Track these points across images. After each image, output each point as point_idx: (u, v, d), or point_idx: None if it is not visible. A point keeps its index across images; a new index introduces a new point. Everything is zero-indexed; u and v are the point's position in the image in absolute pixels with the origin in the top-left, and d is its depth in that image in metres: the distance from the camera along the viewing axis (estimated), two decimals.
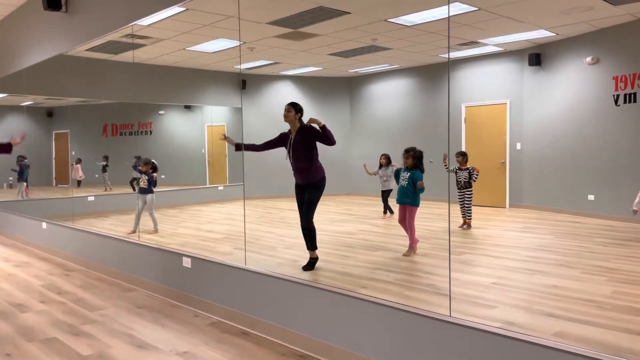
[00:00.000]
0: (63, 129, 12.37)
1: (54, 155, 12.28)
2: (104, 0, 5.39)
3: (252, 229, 6.53)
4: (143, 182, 7.12)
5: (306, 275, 4.37)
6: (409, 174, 5.22)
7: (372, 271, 4.69)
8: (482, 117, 9.03)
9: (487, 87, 9.02)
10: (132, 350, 3.41)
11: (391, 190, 7.32)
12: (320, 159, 4.64)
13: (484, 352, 2.47)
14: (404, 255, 5.14)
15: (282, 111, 4.57)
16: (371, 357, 2.97)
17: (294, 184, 4.71)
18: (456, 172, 6.82)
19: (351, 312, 3.09)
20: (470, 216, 6.71)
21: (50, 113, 12.46)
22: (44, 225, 6.80)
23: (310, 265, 4.54)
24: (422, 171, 5.20)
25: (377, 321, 2.95)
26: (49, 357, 3.31)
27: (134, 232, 6.84)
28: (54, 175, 12.19)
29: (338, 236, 6.28)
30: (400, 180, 5.34)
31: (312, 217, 4.59)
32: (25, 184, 10.21)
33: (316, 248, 4.64)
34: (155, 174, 7.11)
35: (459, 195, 6.78)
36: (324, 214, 8.28)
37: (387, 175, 7.21)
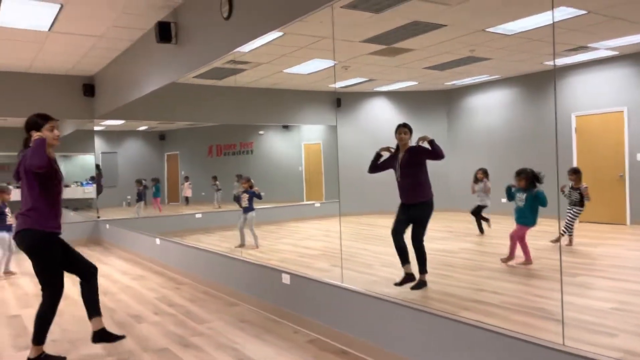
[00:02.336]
0: (173, 150, 13.36)
1: (166, 176, 13.28)
2: (208, 31, 5.76)
3: (348, 246, 6.54)
4: (245, 201, 7.47)
5: (405, 294, 4.27)
6: (525, 194, 5.32)
7: (476, 292, 4.48)
8: (596, 126, 8.35)
9: (600, 95, 8.33)
10: None
11: (485, 207, 7.00)
12: None
13: None
14: (520, 263, 5.23)
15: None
16: None
17: (397, 203, 4.65)
18: (570, 193, 6.35)
19: (452, 336, 2.96)
20: (571, 233, 6.21)
21: (162, 136, 13.53)
22: (158, 241, 7.32)
23: (403, 282, 4.44)
24: (540, 186, 5.25)
25: (482, 347, 2.79)
26: None
27: (241, 245, 7.33)
28: (166, 194, 13.16)
29: (438, 254, 6.09)
30: (517, 201, 5.43)
31: (422, 237, 4.51)
32: (143, 202, 11.17)
33: (425, 272, 4.52)
34: (256, 188, 7.44)
35: (568, 210, 6.30)
36: None
37: (483, 190, 6.90)
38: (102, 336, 3.74)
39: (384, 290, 4.15)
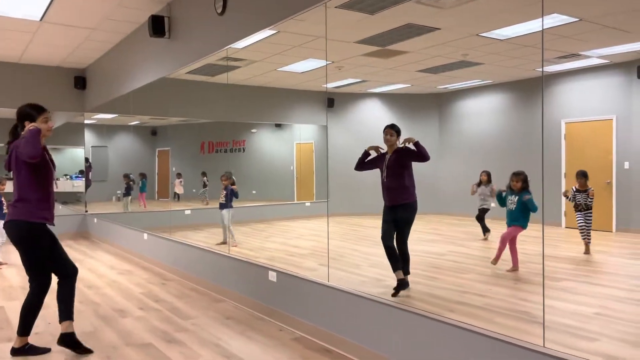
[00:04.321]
0: (165, 146, 13.28)
1: (156, 171, 13.21)
2: (202, 26, 5.75)
3: (337, 246, 6.54)
4: (222, 198, 7.46)
5: (389, 294, 4.28)
6: (517, 197, 5.33)
7: (461, 294, 4.50)
8: (585, 134, 8.43)
9: (590, 102, 8.41)
10: None
11: (489, 209, 7.01)
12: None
13: None
14: (509, 270, 5.20)
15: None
16: None
17: (383, 205, 4.65)
18: (574, 195, 6.41)
19: (436, 337, 2.97)
20: (590, 239, 6.27)
21: (154, 132, 13.46)
22: (145, 236, 7.29)
23: (398, 289, 4.40)
24: (529, 192, 5.29)
25: (464, 347, 2.81)
26: None
27: (223, 242, 7.29)
28: (156, 190, 13.10)
29: (425, 256, 6.12)
30: (508, 204, 5.46)
31: (407, 239, 4.52)
32: (130, 198, 11.10)
33: (408, 273, 4.52)
34: (234, 186, 7.43)
35: (579, 218, 6.35)
36: (411, 233, 8.10)
37: (486, 193, 6.90)
38: (68, 342, 3.61)
39: (371, 290, 4.16)
